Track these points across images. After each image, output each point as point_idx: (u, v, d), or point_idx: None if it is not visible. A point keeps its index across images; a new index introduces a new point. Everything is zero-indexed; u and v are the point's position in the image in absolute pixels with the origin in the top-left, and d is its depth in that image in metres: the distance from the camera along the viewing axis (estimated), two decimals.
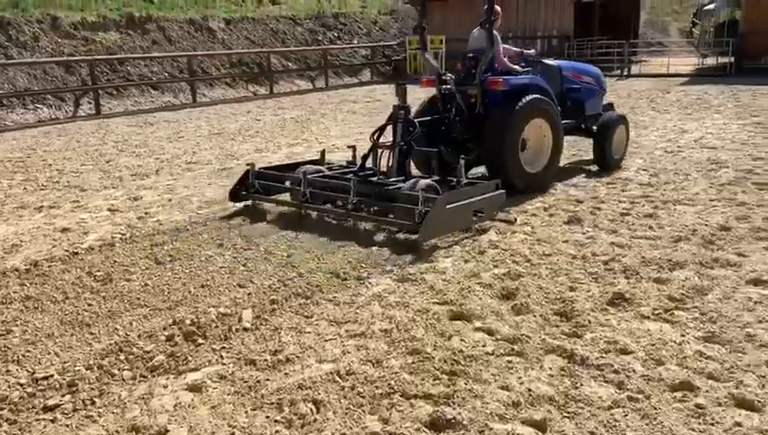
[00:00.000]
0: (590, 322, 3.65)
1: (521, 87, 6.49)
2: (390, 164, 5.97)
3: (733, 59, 19.83)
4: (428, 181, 5.45)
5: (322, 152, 6.85)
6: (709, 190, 6.53)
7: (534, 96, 6.47)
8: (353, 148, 6.77)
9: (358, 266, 4.60)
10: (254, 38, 20.69)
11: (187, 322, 3.72)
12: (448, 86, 6.72)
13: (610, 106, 8.21)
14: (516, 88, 6.44)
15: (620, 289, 4.04)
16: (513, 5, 22.74)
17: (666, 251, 4.75)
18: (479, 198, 5.40)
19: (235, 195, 6.22)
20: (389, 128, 6.20)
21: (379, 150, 6.10)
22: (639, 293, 4.02)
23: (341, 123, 12.76)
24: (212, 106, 16.56)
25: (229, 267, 4.66)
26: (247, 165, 6.34)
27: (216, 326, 3.70)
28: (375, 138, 6.09)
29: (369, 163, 6.12)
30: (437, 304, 3.95)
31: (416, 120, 6.17)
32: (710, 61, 22.67)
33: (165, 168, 8.71)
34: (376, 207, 5.48)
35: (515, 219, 5.66)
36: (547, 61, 7.62)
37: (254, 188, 6.16)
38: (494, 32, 6.46)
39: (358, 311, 3.87)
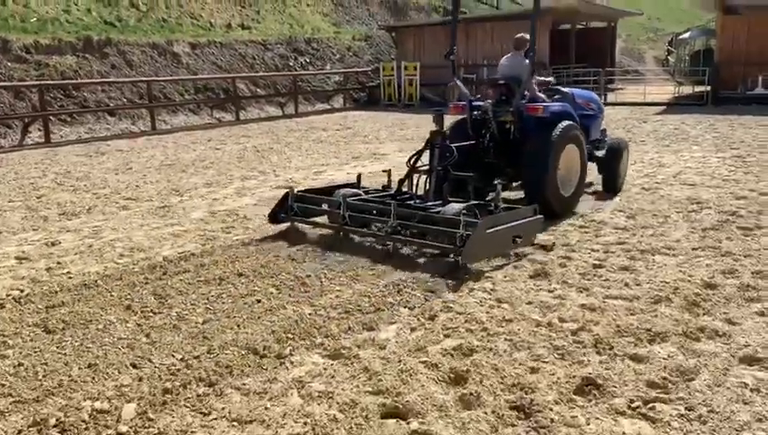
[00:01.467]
0: (552, 420, 2.96)
1: (556, 114, 6.70)
2: (427, 188, 6.19)
3: (709, 88, 19.59)
4: (467, 205, 5.60)
5: (359, 176, 6.92)
6: (691, 236, 5.93)
7: (568, 123, 6.70)
8: (388, 172, 6.89)
9: (283, 338, 3.87)
10: (222, 63, 20.05)
11: (51, 422, 2.97)
12: (480, 112, 6.83)
13: (603, 131, 8.32)
14: (553, 115, 6.64)
15: (591, 372, 3.36)
16: (489, 32, 22.44)
17: (644, 317, 4.09)
18: (518, 222, 5.47)
19: (274, 217, 6.32)
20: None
21: (415, 175, 6.42)
22: (613, 376, 3.34)
23: (305, 153, 12.09)
24: (172, 134, 15.80)
25: (129, 339, 3.91)
26: (286, 189, 6.49)
27: (86, 429, 2.94)
28: (412, 163, 6.38)
29: (402, 187, 6.44)
30: (370, 393, 3.23)
31: (453, 146, 6.26)
32: (686, 89, 22.47)
33: (99, 205, 7.93)
34: (414, 231, 5.58)
35: (553, 244, 5.67)
36: (562, 88, 7.68)
37: (293, 210, 6.26)
38: (527, 61, 6.73)
39: (269, 405, 3.14)
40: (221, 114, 18.50)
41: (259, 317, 4.19)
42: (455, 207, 5.59)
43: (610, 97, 21.36)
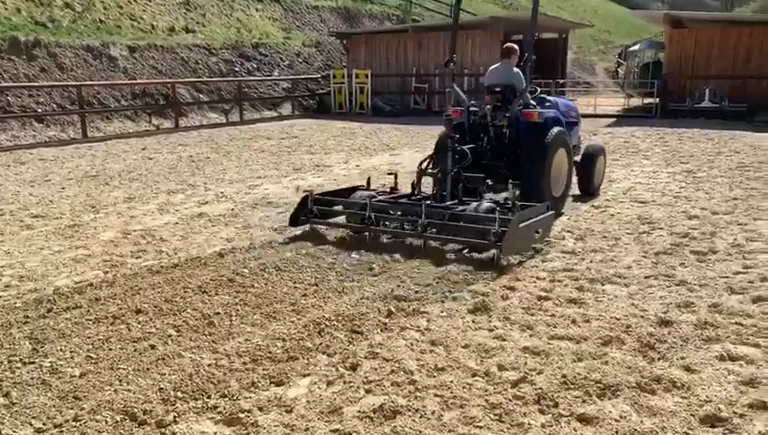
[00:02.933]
0: None
1: (549, 120, 7.14)
2: (433, 190, 6.68)
3: (658, 100, 19.66)
4: (491, 204, 6.04)
5: (368, 179, 7.12)
6: (643, 262, 5.52)
7: (559, 128, 7.15)
8: (395, 174, 7.13)
9: (170, 397, 3.23)
10: (162, 67, 19.11)
11: None
12: (478, 117, 7.23)
13: (579, 138, 8.69)
14: (546, 121, 7.08)
15: None
16: (442, 43, 22.09)
17: (593, 364, 3.60)
18: (539, 218, 5.84)
19: (294, 220, 6.49)
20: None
21: (419, 177, 6.81)
22: None
23: (243, 164, 11.40)
24: (105, 142, 14.87)
25: None
26: (305, 192, 6.80)
27: None
28: (423, 167, 6.72)
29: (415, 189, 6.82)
30: None
31: (465, 149, 6.70)
32: (635, 101, 22.58)
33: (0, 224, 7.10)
34: (435, 229, 5.86)
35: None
36: (548, 97, 8.02)
37: (312, 213, 6.45)
38: (516, 69, 7.30)
39: None
40: (160, 121, 17.58)
41: (148, 369, 3.54)
42: (484, 205, 6.03)
43: None
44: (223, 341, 3.91)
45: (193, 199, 8.33)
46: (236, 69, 21.44)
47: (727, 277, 5.06)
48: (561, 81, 23.09)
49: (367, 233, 6.12)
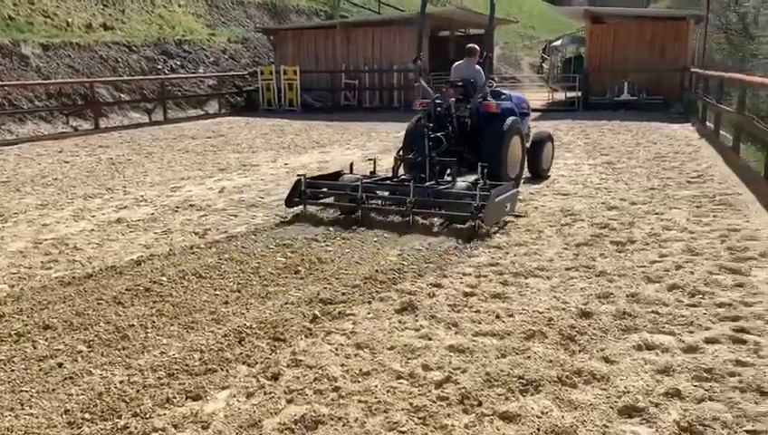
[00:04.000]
0: None
1: (505, 111, 8.03)
2: (410, 173, 7.48)
3: (580, 94, 20.24)
4: (467, 183, 6.88)
5: (351, 165, 7.92)
6: (564, 253, 5.63)
7: (514, 118, 8.05)
8: (374, 160, 7.96)
9: (77, 420, 3.03)
10: (79, 66, 18.24)
11: None
12: (442, 108, 7.90)
13: (529, 127, 9.52)
14: (502, 112, 7.95)
15: None
16: (370, 39, 22.03)
17: (516, 359, 3.61)
18: (509, 193, 6.71)
19: (289, 202, 7.10)
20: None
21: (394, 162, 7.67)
22: None
23: (166, 166, 11.00)
24: (18, 145, 14.06)
25: None
26: (298, 175, 7.24)
27: None
28: (401, 154, 7.69)
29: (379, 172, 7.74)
30: None
31: (440, 136, 7.58)
32: (559, 95, 23.19)
33: None
34: (420, 207, 6.58)
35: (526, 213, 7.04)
36: (504, 91, 8.95)
37: (305, 195, 7.06)
38: (477, 66, 8.20)
39: None
40: (78, 122, 16.77)
41: (54, 389, 3.32)
42: (461, 184, 6.90)
43: None
44: (137, 355, 3.72)
45: (111, 204, 7.96)
46: (159, 67, 20.72)
47: (644, 266, 5.22)
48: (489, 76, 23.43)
49: (359, 212, 6.75)
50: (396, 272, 5.14)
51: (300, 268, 5.23)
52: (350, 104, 22.27)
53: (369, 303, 4.53)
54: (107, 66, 19.11)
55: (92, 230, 6.72)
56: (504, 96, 8.61)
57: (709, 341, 3.82)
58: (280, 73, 21.85)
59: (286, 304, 4.46)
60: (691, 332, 3.96)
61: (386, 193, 7.10)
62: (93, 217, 7.33)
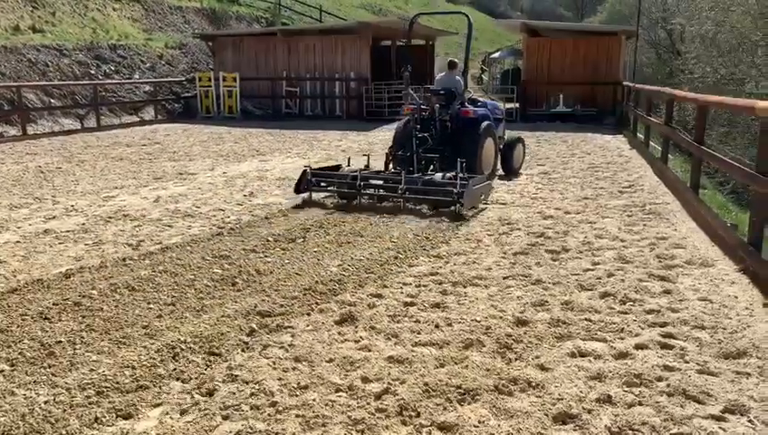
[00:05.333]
0: None
1: (480, 116, 9.34)
2: (394, 167, 8.93)
3: (517, 105, 20.74)
4: (449, 175, 7.93)
5: (348, 159, 9.12)
6: (502, 262, 5.74)
7: (488, 122, 9.37)
8: (368, 156, 9.57)
9: None
10: (6, 70, 17.46)
11: None
12: (427, 113, 9.13)
13: (504, 131, 10.80)
14: (478, 117, 9.29)
15: None
16: (311, 48, 21.99)
17: (454, 369, 3.65)
18: (484, 184, 8.08)
19: (298, 189, 8.33)
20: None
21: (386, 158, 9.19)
22: None
23: (99, 174, 10.64)
24: None
25: None
26: (305, 166, 8.46)
27: None
28: (392, 151, 9.16)
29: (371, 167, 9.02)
30: None
31: (426, 136, 8.92)
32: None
33: None
34: (409, 194, 7.78)
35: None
36: (479, 98, 10.76)
37: (312, 183, 8.29)
38: (458, 77, 9.55)
39: None
40: (4, 128, 16.04)
41: None
42: (439, 175, 8.03)
43: None
44: (64, 373, 3.57)
45: (39, 214, 7.63)
46: (92, 71, 20.08)
47: (578, 274, 5.37)
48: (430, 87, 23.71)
49: (358, 197, 8.04)
50: (336, 283, 5.12)
51: (237, 280, 5.15)
52: (291, 112, 22.16)
53: (309, 315, 4.50)
54: (36, 70, 18.37)
55: (18, 242, 6.42)
56: (479, 103, 10.08)
57: (639, 346, 3.95)
58: (219, 80, 21.57)
59: (222, 317, 4.37)
60: (622, 338, 4.10)
61: (381, 182, 8.28)
62: (19, 228, 7.01)
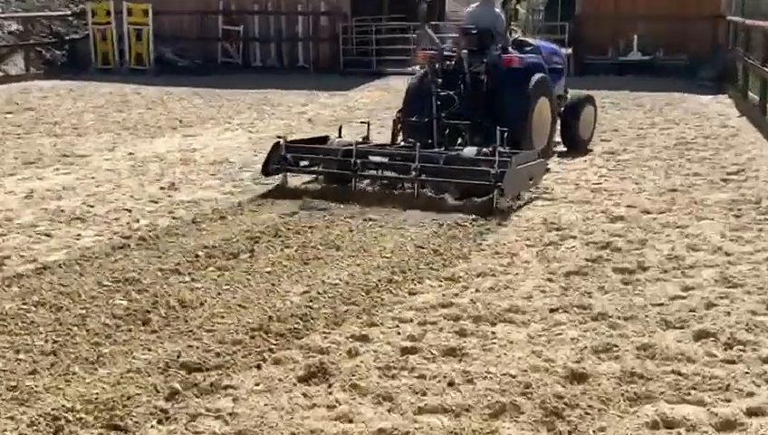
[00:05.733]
0: None
1: (529, 66, 9.47)
2: (405, 137, 9.22)
3: (570, 51, 20.79)
4: (485, 150, 8.19)
5: (340, 128, 9.58)
6: (548, 288, 5.79)
7: (541, 75, 9.50)
8: (368, 123, 9.68)
9: None
10: None
11: None
12: (452, 62, 9.40)
13: (566, 88, 11.13)
14: (527, 67, 9.41)
15: None
16: None
17: None
18: (533, 163, 8.21)
19: (266, 169, 8.64)
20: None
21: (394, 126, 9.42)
22: None
23: None
24: None
25: None
26: (278, 138, 8.83)
27: None
28: (401, 116, 9.33)
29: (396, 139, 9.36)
30: None
31: (451, 95, 9.09)
32: None
33: None
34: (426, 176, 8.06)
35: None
36: (529, 39, 10.74)
37: (286, 160, 8.49)
38: (499, 10, 9.74)
39: None
40: None
41: None
42: (471, 150, 8.43)
43: None
44: None
45: None
46: None
47: (661, 305, 5.43)
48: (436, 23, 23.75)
49: (353, 180, 8.29)
50: (300, 319, 5.14)
51: (151, 316, 5.15)
52: (231, 62, 22.22)
53: (259, 368, 4.52)
54: None
55: None
56: (529, 48, 10.18)
57: (752, 412, 3.99)
58: (122, 14, 21.53)
59: (129, 372, 4.38)
60: (727, 400, 4.13)
61: (385, 160, 8.59)
62: None
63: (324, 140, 9.16)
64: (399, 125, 9.25)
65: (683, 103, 15.41)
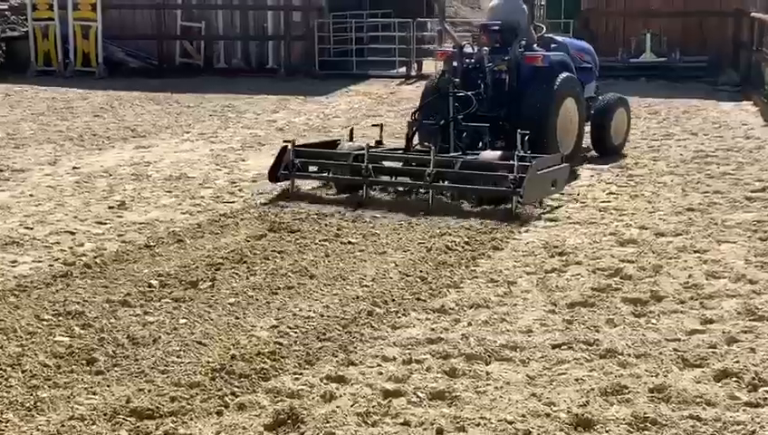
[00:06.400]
0: None
1: (556, 64, 9.98)
2: (421, 141, 9.81)
3: None
4: (502, 153, 8.74)
5: (351, 130, 10.25)
6: (550, 320, 5.82)
7: (567, 74, 10.05)
8: (381, 126, 10.54)
9: None
10: None
11: None
12: (473, 60, 10.02)
13: (597, 88, 11.77)
14: (552, 65, 9.91)
15: None
16: None
17: None
18: (556, 168, 8.63)
19: (274, 176, 9.15)
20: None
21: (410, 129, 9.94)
22: None
23: None
24: None
25: None
26: (285, 142, 9.45)
27: None
28: (415, 118, 9.85)
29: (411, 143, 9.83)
30: None
31: (470, 95, 9.60)
32: None
33: None
34: (445, 181, 8.75)
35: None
36: (556, 37, 11.29)
37: (294, 166, 9.08)
38: (523, 5, 10.16)
39: None
40: None
41: None
42: (491, 154, 8.92)
43: (428, 64, 21.95)
44: None
45: None
46: None
47: (678, 341, 5.44)
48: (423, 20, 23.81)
49: (364, 188, 8.84)
50: (267, 358, 5.13)
51: (97, 355, 5.14)
52: (191, 63, 22.25)
53: (220, 414, 4.50)
54: None
55: None
56: (554, 45, 10.73)
57: None
58: (67, 9, 21.51)
59: (71, 419, 4.36)
60: None
61: (399, 165, 9.13)
62: None
63: (335, 144, 9.70)
64: (414, 128, 9.69)
65: (702, 111, 15.52)
